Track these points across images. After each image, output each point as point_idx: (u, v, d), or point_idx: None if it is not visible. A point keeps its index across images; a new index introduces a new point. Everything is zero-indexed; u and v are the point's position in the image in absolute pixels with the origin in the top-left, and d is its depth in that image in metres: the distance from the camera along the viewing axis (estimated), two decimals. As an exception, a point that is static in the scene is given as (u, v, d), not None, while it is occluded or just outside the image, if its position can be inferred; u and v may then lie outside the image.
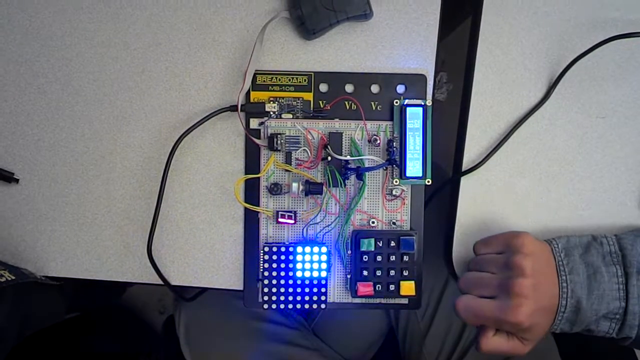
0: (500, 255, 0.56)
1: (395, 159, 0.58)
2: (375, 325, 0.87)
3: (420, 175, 0.58)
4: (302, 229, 0.60)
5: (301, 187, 0.58)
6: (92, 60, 0.60)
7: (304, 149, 0.59)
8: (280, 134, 0.58)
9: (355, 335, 0.86)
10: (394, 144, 0.58)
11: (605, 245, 0.55)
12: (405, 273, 0.59)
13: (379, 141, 0.59)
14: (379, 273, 0.59)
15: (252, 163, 0.60)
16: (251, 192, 0.60)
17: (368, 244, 0.59)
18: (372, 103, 0.59)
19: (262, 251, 0.59)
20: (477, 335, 0.57)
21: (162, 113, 0.60)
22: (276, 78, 0.59)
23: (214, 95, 0.60)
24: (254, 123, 0.59)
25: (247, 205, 0.59)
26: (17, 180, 0.61)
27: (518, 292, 0.52)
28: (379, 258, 0.59)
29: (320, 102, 0.59)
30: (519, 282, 0.52)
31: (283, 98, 0.59)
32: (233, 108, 0.58)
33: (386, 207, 0.60)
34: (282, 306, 0.59)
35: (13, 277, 0.57)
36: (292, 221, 0.59)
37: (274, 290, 0.59)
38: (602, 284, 0.53)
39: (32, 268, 0.61)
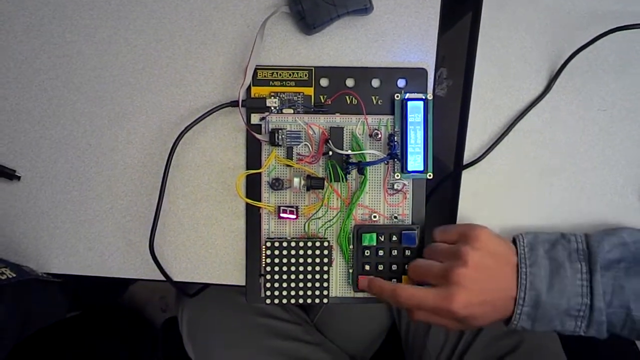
0: (453, 245, 0.56)
1: (396, 153, 0.58)
2: (378, 319, 0.87)
3: (422, 169, 0.58)
4: (304, 224, 0.60)
5: (302, 182, 0.58)
6: (93, 57, 0.60)
7: (305, 144, 0.59)
8: (281, 129, 0.58)
9: (358, 330, 0.86)
10: (395, 138, 0.59)
11: (573, 243, 0.55)
12: (407, 267, 0.60)
13: (380, 135, 0.59)
14: (380, 267, 0.59)
15: (253, 158, 0.60)
16: (252, 187, 0.60)
17: (370, 239, 0.59)
18: (373, 97, 0.59)
19: (264, 246, 0.59)
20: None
21: (163, 109, 0.60)
22: (277, 73, 0.59)
23: (215, 90, 0.60)
24: (255, 118, 0.59)
25: (249, 201, 0.59)
26: (18, 178, 0.61)
27: (455, 281, 0.52)
28: (380, 252, 0.59)
29: (321, 96, 0.59)
30: (459, 272, 0.52)
31: (284, 93, 0.59)
32: (234, 103, 0.58)
33: (388, 202, 0.60)
34: (284, 301, 0.59)
35: (14, 275, 0.57)
36: (294, 216, 0.59)
37: (276, 285, 0.59)
38: (564, 278, 0.53)
39: (34, 265, 0.61)
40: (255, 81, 0.59)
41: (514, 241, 0.57)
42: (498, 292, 0.53)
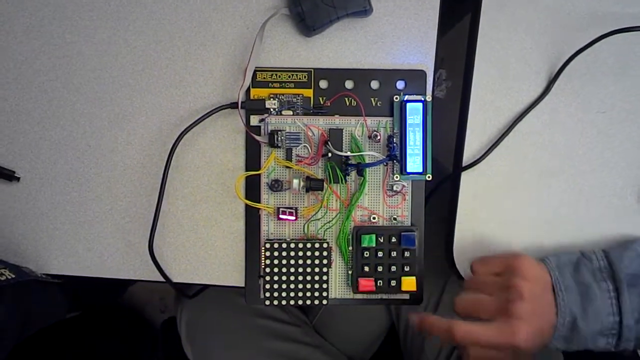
0: (498, 277, 0.56)
1: (395, 154, 0.58)
2: (377, 321, 0.87)
3: (421, 170, 0.58)
4: (303, 225, 0.60)
5: (302, 184, 0.58)
6: (92, 58, 0.60)
7: (304, 146, 0.59)
8: (280, 130, 0.58)
9: (357, 332, 0.86)
10: (394, 139, 0.59)
11: (595, 261, 0.56)
12: (407, 268, 0.60)
13: (379, 137, 0.59)
14: (380, 269, 0.59)
15: (252, 160, 0.60)
16: (252, 188, 0.60)
17: (369, 240, 0.59)
18: (372, 99, 0.59)
19: (263, 248, 0.59)
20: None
21: (162, 110, 0.60)
22: (276, 75, 0.59)
23: (215, 92, 0.60)
24: (254, 120, 0.59)
25: (248, 202, 0.59)
26: (18, 179, 0.61)
27: (517, 315, 0.52)
28: (380, 254, 0.59)
29: (321, 98, 0.59)
30: (518, 306, 0.52)
31: (283, 95, 0.59)
32: (233, 105, 0.58)
33: (387, 203, 0.60)
34: (283, 302, 0.59)
35: (13, 276, 0.57)
36: (293, 217, 0.59)
37: (276, 286, 0.59)
38: (595, 301, 0.53)
39: (33, 266, 0.61)
40: (255, 83, 0.59)
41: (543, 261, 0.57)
42: (546, 320, 0.53)
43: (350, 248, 0.60)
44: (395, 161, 0.59)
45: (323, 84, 0.59)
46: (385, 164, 0.59)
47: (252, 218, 0.60)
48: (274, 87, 0.59)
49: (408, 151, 0.58)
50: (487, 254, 0.60)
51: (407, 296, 0.61)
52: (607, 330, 0.53)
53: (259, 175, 0.60)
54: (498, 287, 0.55)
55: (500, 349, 0.54)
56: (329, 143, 0.58)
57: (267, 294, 0.59)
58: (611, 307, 0.53)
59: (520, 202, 0.61)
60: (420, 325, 0.57)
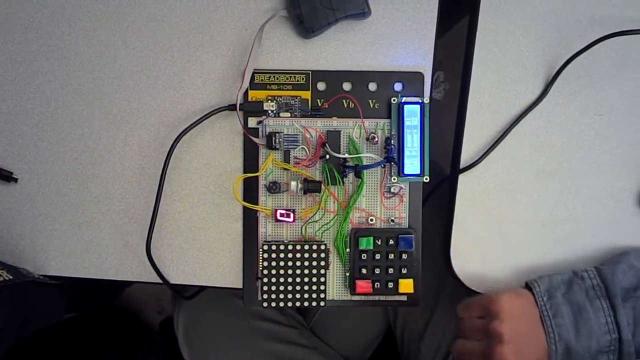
0: (481, 320, 0.57)
1: (393, 156, 0.58)
2: (374, 323, 0.87)
3: (418, 172, 0.58)
4: (301, 227, 0.60)
5: (300, 186, 0.58)
6: (91, 60, 0.60)
7: (302, 147, 0.59)
8: (278, 132, 0.58)
9: (354, 334, 0.86)
10: (392, 141, 0.59)
11: (587, 280, 0.56)
12: (404, 271, 0.60)
13: (376, 139, 0.59)
14: (377, 271, 0.60)
15: (250, 162, 0.60)
16: (250, 190, 0.60)
17: (367, 243, 0.59)
18: (370, 101, 0.59)
19: (261, 249, 0.59)
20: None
21: (160, 112, 0.60)
22: (274, 77, 0.59)
23: (213, 94, 0.60)
24: (252, 122, 0.59)
25: (246, 204, 0.59)
26: (15, 180, 0.61)
27: (500, 357, 0.53)
28: (377, 256, 0.59)
29: (318, 100, 0.59)
30: (499, 351, 0.53)
31: (281, 97, 0.59)
32: (231, 107, 0.58)
33: (384, 205, 0.60)
34: (281, 304, 0.59)
35: (11, 277, 0.57)
36: (291, 219, 0.59)
37: (273, 288, 0.59)
38: (588, 320, 0.54)
39: (31, 267, 0.61)
40: (253, 85, 0.59)
41: (527, 286, 0.57)
42: (535, 352, 0.54)
43: (348, 250, 0.60)
44: (392, 163, 0.59)
45: (321, 86, 0.59)
46: (382, 166, 0.59)
47: (250, 220, 0.60)
48: (272, 89, 0.59)
49: (406, 153, 0.58)
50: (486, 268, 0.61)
51: (404, 298, 0.61)
52: (605, 348, 0.54)
53: (257, 177, 0.60)
54: (481, 333, 0.56)
55: None
56: (327, 145, 0.58)
57: (265, 296, 0.59)
58: (606, 326, 0.54)
59: (518, 205, 0.61)
60: None
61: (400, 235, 0.59)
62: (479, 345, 0.56)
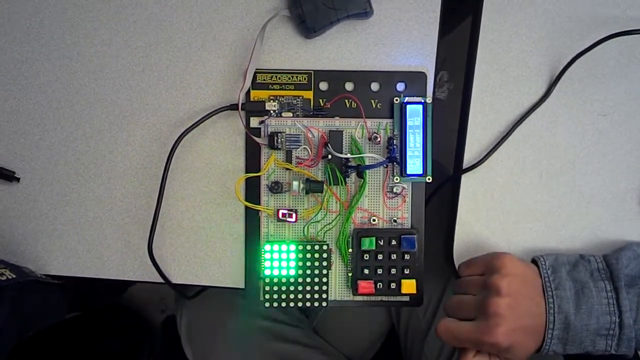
0: (481, 276, 0.57)
1: (395, 156, 0.58)
2: (377, 323, 0.87)
3: (421, 172, 0.58)
4: (303, 227, 0.60)
5: (302, 186, 0.58)
6: (92, 59, 0.60)
7: (304, 147, 0.59)
8: (280, 132, 0.58)
9: (357, 334, 0.86)
10: (395, 141, 0.59)
11: (593, 263, 0.56)
12: (407, 271, 0.60)
13: (379, 139, 0.59)
14: (380, 271, 0.59)
15: (252, 161, 0.60)
16: (252, 190, 0.60)
17: (369, 243, 0.59)
18: (372, 101, 0.59)
19: (263, 249, 0.59)
20: (458, 358, 0.57)
21: (162, 112, 0.60)
22: (276, 77, 0.59)
23: (215, 93, 0.60)
24: (254, 122, 0.59)
25: (248, 204, 0.59)
26: (18, 179, 0.61)
27: (493, 311, 0.52)
28: (380, 256, 0.59)
29: (321, 100, 0.59)
30: (495, 302, 0.53)
31: (283, 96, 0.59)
32: (233, 107, 0.58)
33: (387, 205, 0.60)
34: (283, 304, 0.59)
35: (14, 276, 0.57)
36: (293, 219, 0.59)
37: (275, 288, 0.59)
38: (590, 298, 0.53)
39: (33, 267, 0.61)
40: (255, 84, 0.59)
41: (534, 262, 0.57)
42: (531, 317, 0.54)
43: (350, 250, 0.60)
44: (395, 163, 0.58)
45: (323, 85, 0.59)
46: (385, 166, 0.59)
47: (252, 220, 0.60)
48: (274, 89, 0.59)
49: (408, 153, 0.58)
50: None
51: (407, 298, 0.61)
52: (604, 331, 0.53)
53: (259, 177, 0.60)
54: (479, 286, 0.56)
55: (482, 347, 0.54)
56: (329, 145, 0.58)
57: (267, 296, 0.59)
58: (608, 307, 0.53)
59: (521, 205, 0.61)
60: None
61: (402, 236, 0.59)
62: (474, 298, 0.56)
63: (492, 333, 0.52)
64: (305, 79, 0.59)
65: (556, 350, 0.54)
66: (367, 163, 0.59)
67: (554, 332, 0.53)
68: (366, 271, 0.59)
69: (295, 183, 0.58)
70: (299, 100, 0.59)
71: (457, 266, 0.61)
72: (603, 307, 0.53)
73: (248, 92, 0.59)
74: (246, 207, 0.60)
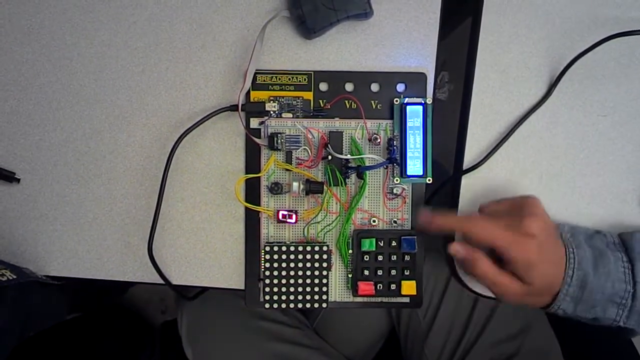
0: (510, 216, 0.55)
1: (395, 157, 0.58)
2: (377, 324, 0.86)
3: (421, 173, 0.58)
4: (303, 228, 0.60)
5: (302, 187, 0.58)
6: (92, 60, 0.60)
7: (304, 148, 0.59)
8: (280, 133, 0.58)
9: (357, 334, 0.86)
10: (395, 142, 0.58)
11: (609, 237, 0.56)
12: (407, 272, 0.59)
13: (379, 140, 0.59)
14: (380, 272, 0.59)
15: (252, 162, 0.60)
16: (252, 191, 0.60)
17: (369, 244, 0.59)
18: (372, 102, 0.59)
19: (263, 250, 0.59)
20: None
21: (162, 112, 0.60)
22: (276, 77, 0.59)
23: (214, 94, 0.60)
24: (254, 122, 0.59)
25: (248, 205, 0.59)
26: (18, 180, 0.61)
27: (531, 233, 0.51)
28: (380, 258, 0.59)
29: (321, 101, 0.59)
30: (531, 220, 0.52)
31: (283, 97, 0.59)
32: (233, 107, 0.58)
33: (387, 206, 0.60)
34: (283, 305, 0.59)
35: (14, 277, 0.57)
36: (293, 220, 0.59)
37: (275, 289, 0.58)
38: (608, 263, 0.53)
39: (34, 267, 0.61)
40: (255, 85, 0.59)
41: None
42: (558, 258, 0.53)
43: (350, 251, 0.60)
44: (395, 164, 0.58)
45: (323, 86, 0.59)
46: (385, 166, 0.59)
47: (252, 221, 0.60)
48: (274, 90, 0.59)
49: (408, 154, 0.58)
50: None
51: (407, 300, 0.61)
52: (618, 298, 0.53)
53: (259, 178, 0.59)
54: (508, 218, 0.54)
55: (506, 259, 0.52)
56: (329, 146, 0.58)
57: (267, 297, 0.59)
58: (624, 275, 0.53)
59: (521, 206, 0.61)
60: (430, 226, 0.56)
61: (403, 237, 0.59)
62: (507, 218, 0.53)
63: (526, 248, 0.51)
64: (305, 79, 0.59)
65: (565, 310, 0.54)
66: (367, 164, 0.58)
67: (569, 289, 0.53)
68: (366, 272, 0.59)
69: (295, 184, 0.58)
70: (299, 101, 0.59)
71: (457, 266, 0.61)
72: (619, 275, 0.53)
73: (248, 93, 0.59)
74: (246, 208, 0.60)
